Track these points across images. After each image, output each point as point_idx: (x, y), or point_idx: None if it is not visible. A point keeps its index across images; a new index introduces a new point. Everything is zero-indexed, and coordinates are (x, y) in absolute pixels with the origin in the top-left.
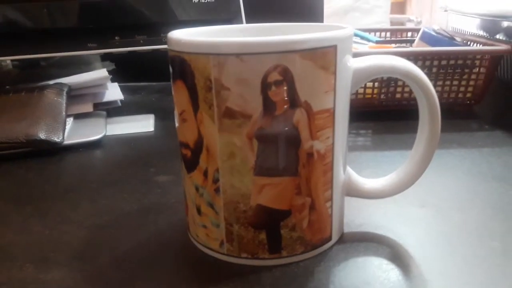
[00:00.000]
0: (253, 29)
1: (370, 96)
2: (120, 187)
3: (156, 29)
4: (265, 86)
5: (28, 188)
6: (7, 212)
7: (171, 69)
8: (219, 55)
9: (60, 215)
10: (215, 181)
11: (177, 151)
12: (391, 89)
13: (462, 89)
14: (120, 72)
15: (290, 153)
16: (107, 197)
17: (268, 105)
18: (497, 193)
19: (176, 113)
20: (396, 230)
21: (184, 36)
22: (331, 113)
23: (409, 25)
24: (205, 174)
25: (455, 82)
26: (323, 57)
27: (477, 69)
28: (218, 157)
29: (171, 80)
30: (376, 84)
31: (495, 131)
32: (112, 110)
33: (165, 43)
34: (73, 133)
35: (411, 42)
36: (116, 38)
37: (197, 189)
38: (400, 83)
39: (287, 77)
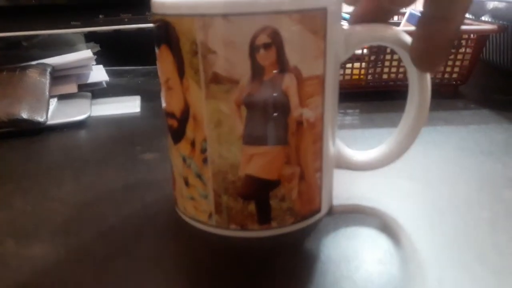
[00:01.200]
0: None
1: (357, 77)
2: (105, 165)
3: (141, 7)
4: (253, 49)
5: (9, 166)
6: None
7: (155, 35)
8: (205, 16)
9: (42, 193)
10: (203, 151)
11: (164, 130)
12: (378, 69)
13: (448, 69)
14: (106, 55)
15: (279, 121)
16: (92, 175)
17: (256, 70)
18: (485, 167)
19: (161, 81)
20: (385, 202)
21: None
22: (321, 80)
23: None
24: (192, 144)
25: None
26: (313, 20)
27: (463, 50)
28: (205, 125)
29: (156, 48)
30: (363, 64)
31: (481, 110)
32: (97, 92)
33: (150, 22)
34: (57, 113)
35: (397, 24)
36: (100, 16)
37: (184, 160)
38: (387, 63)
39: (276, 40)
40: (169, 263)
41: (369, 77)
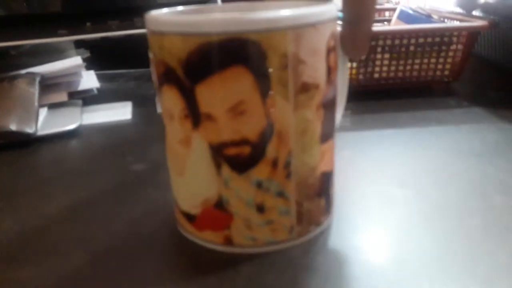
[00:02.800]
0: (230, 8)
1: (348, 76)
2: (95, 177)
3: (128, 13)
4: (328, 52)
5: (0, 182)
6: None
7: (212, 59)
8: (298, 28)
9: (32, 210)
10: (286, 165)
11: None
12: (369, 69)
13: (439, 66)
14: (96, 60)
15: (334, 114)
16: (82, 189)
17: (328, 72)
18: (477, 170)
19: (218, 112)
20: (374, 210)
21: (241, 15)
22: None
23: (388, 6)
24: (274, 163)
25: (433, 60)
26: None
27: (454, 46)
28: (291, 139)
29: (207, 74)
30: (355, 64)
31: (473, 108)
32: (89, 99)
33: (138, 28)
34: (47, 123)
35: (388, 21)
36: (88, 24)
37: (259, 185)
38: (378, 62)
39: (336, 42)
40: None
41: (360, 76)
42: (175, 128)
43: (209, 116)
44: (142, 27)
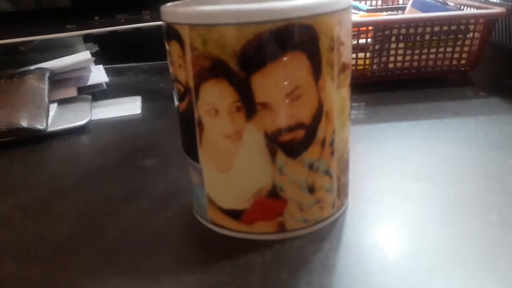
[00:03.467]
0: None
1: (362, 67)
2: (106, 173)
3: (136, 6)
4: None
5: (11, 179)
6: None
7: (269, 48)
8: (342, 11)
9: (43, 206)
10: (331, 144)
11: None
12: (383, 59)
13: (456, 55)
14: (105, 54)
15: None
16: (93, 185)
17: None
18: (494, 163)
19: (274, 99)
20: (390, 204)
21: (291, 1)
22: None
23: None
24: (323, 143)
25: (449, 49)
26: None
27: (471, 34)
28: (334, 117)
29: (264, 63)
30: (368, 54)
31: (491, 98)
32: (98, 94)
33: (146, 21)
34: (57, 119)
35: (402, 9)
36: (96, 18)
37: (310, 167)
38: (392, 52)
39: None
40: None
41: (375, 66)
42: (222, 122)
43: (265, 105)
44: (151, 20)
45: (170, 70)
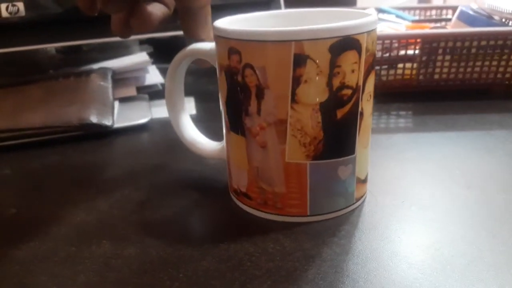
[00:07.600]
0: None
1: (408, 77)
2: (173, 168)
3: None
4: None
5: (88, 170)
6: (74, 194)
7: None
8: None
9: (123, 196)
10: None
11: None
12: (430, 70)
13: (501, 69)
14: (158, 54)
15: None
16: (164, 178)
17: None
18: None
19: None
20: (442, 209)
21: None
22: None
23: (436, 3)
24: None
25: (494, 63)
26: None
27: None
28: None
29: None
30: (415, 65)
31: None
32: (153, 94)
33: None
34: (120, 117)
35: (446, 20)
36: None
37: None
38: (438, 64)
39: None
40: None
41: (421, 77)
42: (371, 103)
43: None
44: None
45: (332, 81)
